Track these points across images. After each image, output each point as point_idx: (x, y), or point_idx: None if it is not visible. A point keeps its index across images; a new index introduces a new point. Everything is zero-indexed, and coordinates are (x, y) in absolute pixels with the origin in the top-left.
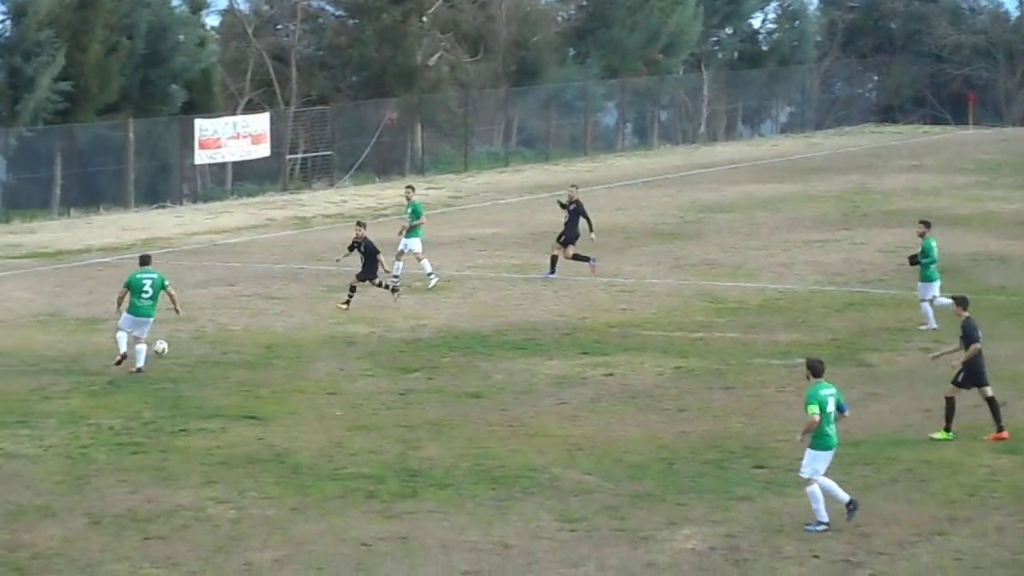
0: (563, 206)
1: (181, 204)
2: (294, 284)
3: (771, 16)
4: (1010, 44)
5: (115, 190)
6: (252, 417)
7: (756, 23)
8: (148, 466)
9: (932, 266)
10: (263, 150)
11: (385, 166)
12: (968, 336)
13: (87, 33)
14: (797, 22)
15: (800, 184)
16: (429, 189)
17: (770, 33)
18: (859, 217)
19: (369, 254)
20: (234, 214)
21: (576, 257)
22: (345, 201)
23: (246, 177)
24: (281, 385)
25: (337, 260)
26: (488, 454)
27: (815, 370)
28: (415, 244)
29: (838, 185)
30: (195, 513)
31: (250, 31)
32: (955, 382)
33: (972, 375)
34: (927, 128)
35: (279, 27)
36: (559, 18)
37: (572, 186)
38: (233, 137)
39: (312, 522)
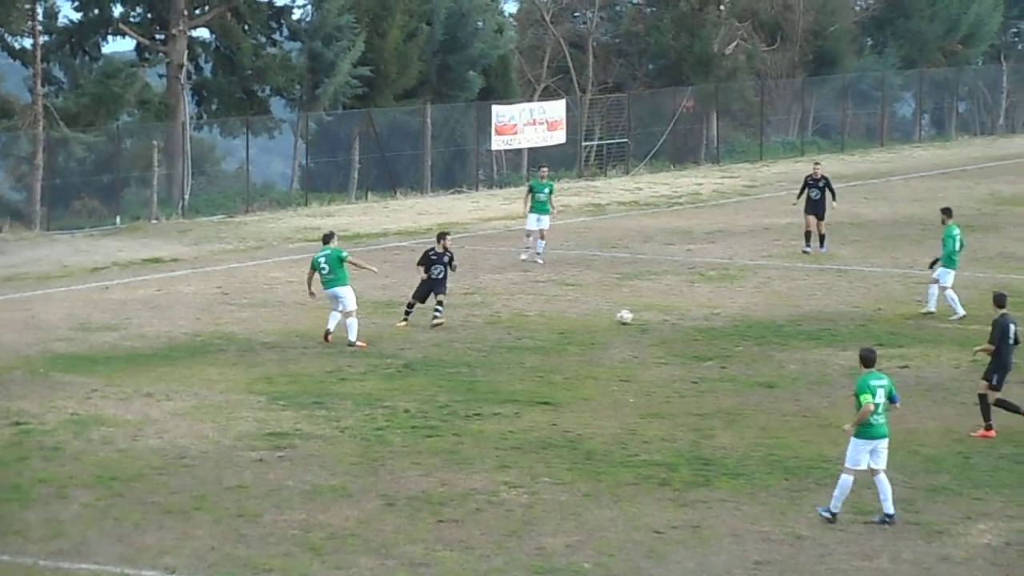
0: (813, 183)
1: (477, 190)
2: (588, 271)
3: None
4: None
5: (412, 175)
6: (546, 403)
7: None
8: (442, 449)
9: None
10: (559, 137)
11: (680, 154)
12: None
13: (387, 19)
14: None
15: None
16: (724, 178)
17: None
18: None
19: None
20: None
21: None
22: (640, 189)
23: (542, 163)
24: (574, 371)
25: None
26: (781, 444)
27: (866, 360)
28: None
29: None
30: (488, 497)
31: (547, 18)
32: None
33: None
34: None
35: (576, 14)
36: (857, 7)
37: (816, 163)
38: (529, 123)
39: (604, 508)
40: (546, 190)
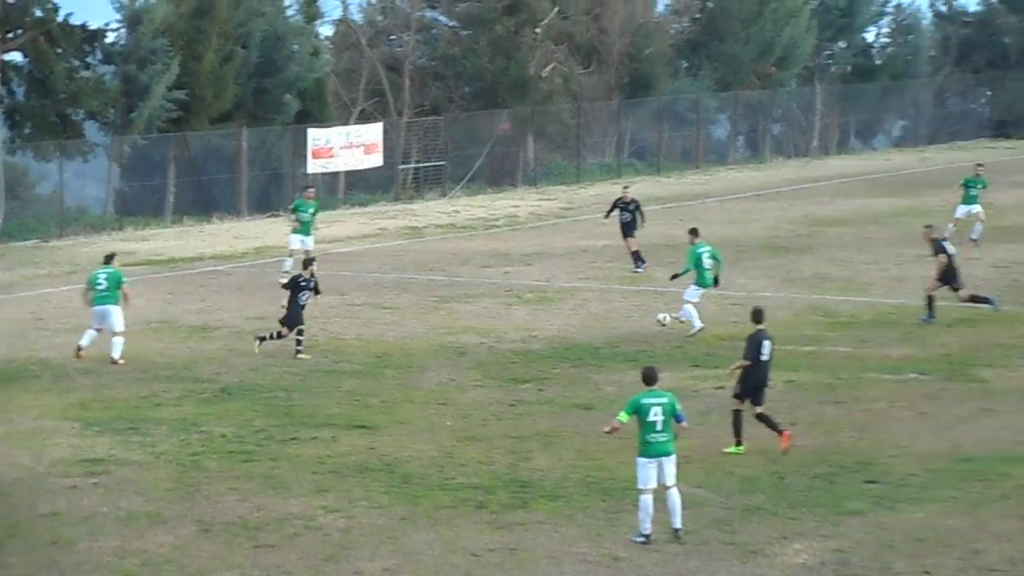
0: (623, 206)
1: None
2: (405, 294)
3: (885, 30)
4: None
5: (228, 199)
6: (363, 426)
7: (870, 37)
8: (259, 474)
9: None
10: (375, 160)
11: (497, 177)
12: (746, 349)
13: (202, 42)
14: (911, 36)
15: (913, 199)
16: (541, 200)
17: (883, 47)
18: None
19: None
20: (346, 223)
21: (636, 255)
22: (457, 211)
23: (358, 187)
24: (392, 395)
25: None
26: (598, 466)
27: (646, 378)
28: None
29: (951, 200)
30: (305, 522)
31: (364, 41)
32: (734, 394)
33: (746, 389)
34: None
35: (393, 37)
36: (672, 30)
37: (625, 187)
38: (346, 147)
39: (422, 532)
40: (311, 210)
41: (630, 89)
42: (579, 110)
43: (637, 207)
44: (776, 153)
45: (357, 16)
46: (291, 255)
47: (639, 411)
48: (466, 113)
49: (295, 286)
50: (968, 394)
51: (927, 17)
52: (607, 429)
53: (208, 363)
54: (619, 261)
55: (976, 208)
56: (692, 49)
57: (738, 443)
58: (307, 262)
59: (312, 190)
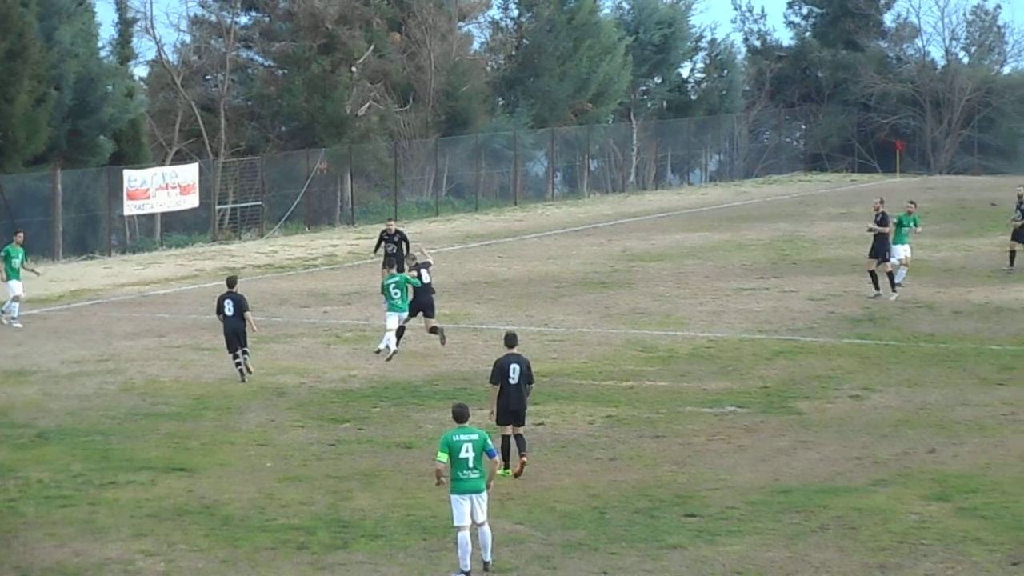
0: (388, 238)
1: (110, 255)
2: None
3: (699, 66)
4: (936, 93)
5: (43, 241)
6: (182, 469)
7: (685, 72)
8: (77, 519)
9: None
10: (192, 201)
11: (315, 216)
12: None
13: (14, 84)
14: (725, 71)
15: (729, 233)
16: (359, 239)
17: (699, 82)
18: (788, 265)
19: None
20: (163, 265)
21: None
22: (275, 251)
23: (175, 228)
24: (211, 436)
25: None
26: (419, 504)
27: (457, 415)
28: None
29: (767, 233)
30: (124, 566)
31: (178, 81)
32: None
33: (501, 413)
34: (855, 176)
35: (208, 78)
36: (488, 68)
37: (389, 219)
38: (162, 188)
39: (242, 574)
40: (19, 256)
41: (447, 126)
42: (396, 148)
43: (402, 238)
44: (594, 189)
45: (172, 56)
46: (16, 299)
47: (451, 448)
48: (283, 153)
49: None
50: (786, 426)
51: (741, 52)
52: (437, 479)
53: (24, 408)
54: (438, 300)
55: (906, 250)
56: (508, 86)
57: (505, 466)
58: (230, 280)
59: (21, 235)
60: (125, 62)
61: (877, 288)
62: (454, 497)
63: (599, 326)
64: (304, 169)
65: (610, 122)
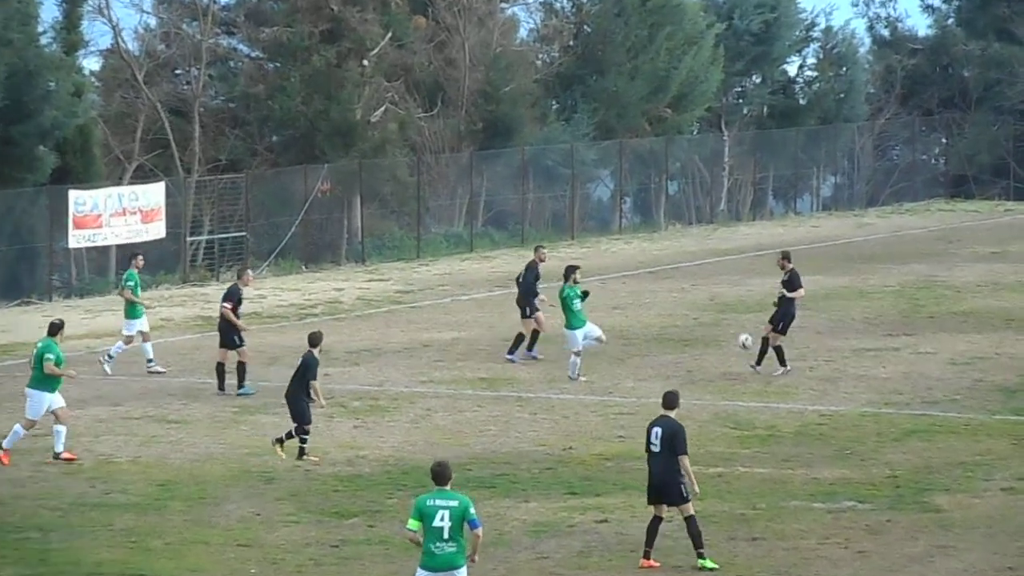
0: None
1: (50, 300)
2: (196, 403)
3: (811, 61)
4: None
5: None
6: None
7: (792, 70)
8: None
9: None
10: (157, 230)
11: (315, 251)
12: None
13: None
14: (844, 69)
15: (848, 276)
16: (371, 281)
17: (809, 83)
18: (924, 319)
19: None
20: (119, 313)
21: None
22: (263, 296)
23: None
24: (179, 534)
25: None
26: None
27: (435, 475)
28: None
29: (897, 278)
30: None
31: (140, 77)
32: None
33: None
34: (1012, 205)
35: (178, 72)
36: (539, 62)
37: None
38: (118, 213)
39: None
40: None
41: (485, 138)
42: (420, 165)
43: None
44: (673, 219)
45: (132, 45)
46: None
47: (423, 514)
48: (274, 169)
49: None
50: (920, 527)
51: (865, 44)
52: (409, 538)
53: None
54: (472, 359)
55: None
56: (564, 86)
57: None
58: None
59: None
60: (72, 52)
61: (778, 363)
62: (421, 572)
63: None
64: (301, 191)
65: (695, 133)
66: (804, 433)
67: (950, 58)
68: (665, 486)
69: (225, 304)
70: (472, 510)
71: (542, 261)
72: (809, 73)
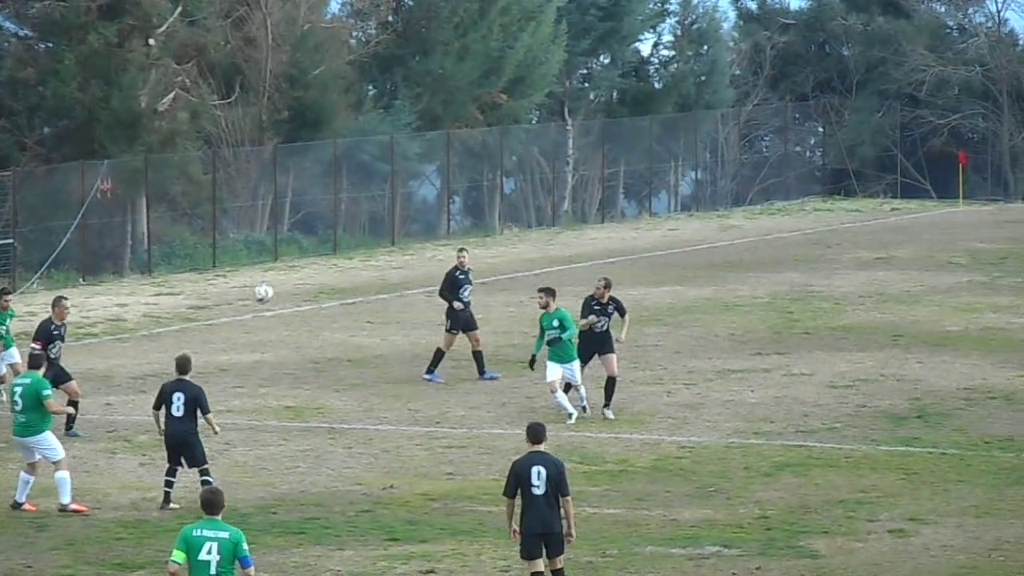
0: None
1: None
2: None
3: (667, 39)
4: (1018, 80)
5: None
6: None
7: (645, 49)
8: None
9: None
10: None
11: (94, 261)
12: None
13: None
14: (706, 48)
15: (712, 287)
16: (159, 295)
17: (665, 63)
18: (798, 336)
19: None
20: None
21: None
22: (34, 313)
23: None
24: None
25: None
26: None
27: (205, 503)
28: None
29: (767, 288)
30: None
31: None
32: None
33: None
34: (897, 204)
35: None
36: (353, 41)
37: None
38: None
39: None
40: None
41: (291, 128)
42: (215, 160)
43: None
44: (509, 221)
45: None
46: None
47: (188, 546)
48: (46, 166)
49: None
50: (794, 574)
51: (729, 19)
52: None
53: None
54: (277, 385)
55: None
56: (383, 68)
57: None
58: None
59: None
60: None
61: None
62: None
63: (514, 425)
64: (78, 191)
65: (534, 122)
66: (661, 468)
67: (827, 35)
68: (554, 535)
69: (34, 345)
70: (244, 545)
71: (462, 265)
72: (665, 52)
